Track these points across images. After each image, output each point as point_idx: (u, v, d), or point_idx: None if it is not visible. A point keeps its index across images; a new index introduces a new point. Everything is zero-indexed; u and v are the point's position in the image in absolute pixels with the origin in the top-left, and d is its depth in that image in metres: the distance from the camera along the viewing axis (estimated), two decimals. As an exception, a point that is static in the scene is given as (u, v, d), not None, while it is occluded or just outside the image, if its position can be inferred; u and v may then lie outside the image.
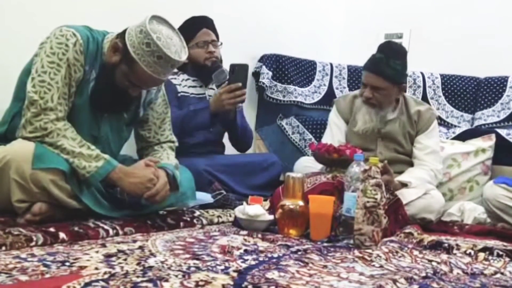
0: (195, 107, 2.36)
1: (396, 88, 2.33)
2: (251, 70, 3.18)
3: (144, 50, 1.61)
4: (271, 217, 1.81)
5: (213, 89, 2.60)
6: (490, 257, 1.55)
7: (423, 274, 1.30)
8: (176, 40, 1.67)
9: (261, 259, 1.35)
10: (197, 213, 1.94)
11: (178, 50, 1.67)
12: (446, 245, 1.64)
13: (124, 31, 1.68)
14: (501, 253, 1.57)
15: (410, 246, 1.65)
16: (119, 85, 1.69)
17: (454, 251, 1.60)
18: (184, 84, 2.52)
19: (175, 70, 2.50)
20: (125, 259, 1.23)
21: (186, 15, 2.53)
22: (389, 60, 2.25)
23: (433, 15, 3.48)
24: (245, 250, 1.43)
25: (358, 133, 2.38)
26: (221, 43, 2.53)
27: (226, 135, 2.67)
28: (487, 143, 2.75)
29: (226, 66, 2.43)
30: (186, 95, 2.50)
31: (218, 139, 2.64)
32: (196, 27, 2.49)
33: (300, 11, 3.51)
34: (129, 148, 2.08)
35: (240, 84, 2.24)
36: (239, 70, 2.26)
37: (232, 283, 1.09)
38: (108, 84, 1.69)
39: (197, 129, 2.38)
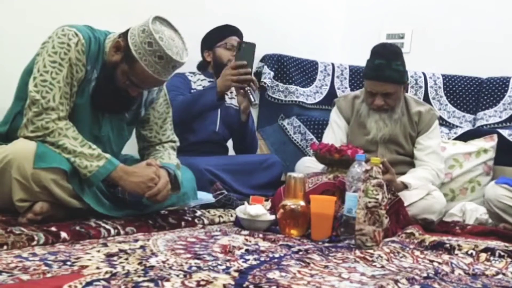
0: (200, 95, 2.36)
1: (402, 88, 2.34)
2: (253, 70, 3.18)
3: (145, 49, 1.61)
4: (272, 217, 1.81)
5: (226, 94, 2.62)
6: (491, 258, 1.55)
7: (425, 275, 1.30)
8: (178, 42, 1.68)
9: (262, 259, 1.35)
10: (199, 212, 1.94)
11: (180, 52, 1.67)
12: (447, 245, 1.64)
13: (127, 31, 1.68)
14: (502, 253, 1.56)
15: (411, 246, 1.65)
16: (119, 84, 1.69)
17: (456, 252, 1.60)
18: (199, 83, 2.57)
19: (193, 70, 2.56)
20: (127, 259, 1.24)
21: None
22: (391, 63, 2.23)
23: (435, 15, 3.48)
24: (246, 250, 1.43)
25: (374, 140, 2.35)
26: None
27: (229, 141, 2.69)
28: (489, 143, 2.75)
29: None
30: None
31: (222, 141, 2.65)
32: (228, 32, 2.58)
33: (302, 11, 3.51)
34: (130, 148, 2.08)
35: (245, 62, 2.25)
36: (246, 48, 2.26)
37: (233, 282, 1.09)
38: (108, 83, 1.69)
39: (204, 110, 2.38)
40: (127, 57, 1.64)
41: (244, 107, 2.54)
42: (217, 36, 2.59)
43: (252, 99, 2.43)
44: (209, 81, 2.59)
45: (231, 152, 2.73)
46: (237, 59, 2.27)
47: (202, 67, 2.65)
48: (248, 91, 2.45)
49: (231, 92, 2.63)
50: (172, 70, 1.69)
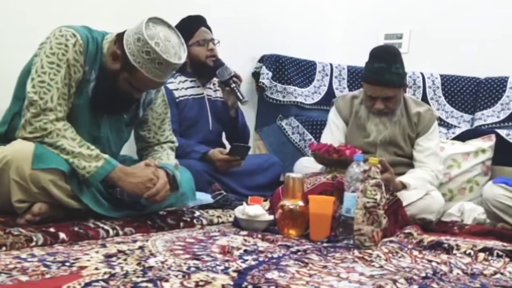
0: (192, 148, 2.40)
1: (402, 90, 2.34)
2: (251, 70, 3.19)
3: (144, 58, 1.61)
4: (271, 217, 1.81)
5: (210, 88, 2.61)
6: (490, 258, 1.55)
7: (423, 275, 1.30)
8: (174, 40, 1.67)
9: (261, 259, 1.35)
10: (197, 213, 1.94)
11: (178, 51, 1.67)
12: (446, 245, 1.64)
13: (121, 36, 1.66)
14: (500, 253, 1.57)
15: (410, 246, 1.65)
16: (121, 90, 1.70)
17: (454, 252, 1.60)
18: (181, 86, 2.52)
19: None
20: (125, 259, 1.24)
21: (186, 16, 2.53)
22: (390, 67, 2.22)
23: (433, 15, 3.48)
24: (245, 250, 1.43)
25: (374, 143, 2.35)
26: (218, 41, 2.54)
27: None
28: (487, 143, 2.75)
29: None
30: (184, 98, 2.50)
31: (218, 139, 2.65)
32: (194, 26, 2.50)
33: (300, 12, 3.51)
34: (129, 148, 2.08)
35: (238, 157, 2.38)
36: (240, 150, 2.40)
37: (232, 283, 1.09)
38: (109, 87, 1.69)
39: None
40: (127, 66, 1.64)
41: (231, 103, 2.53)
42: (185, 33, 2.50)
43: (240, 97, 2.43)
44: (191, 81, 2.54)
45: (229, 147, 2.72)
46: (231, 155, 2.37)
47: (180, 67, 2.60)
48: (234, 89, 2.44)
49: (214, 84, 2.61)
50: (172, 71, 1.70)
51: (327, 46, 3.71)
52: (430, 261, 1.48)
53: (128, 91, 1.70)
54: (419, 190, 2.23)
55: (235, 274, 1.16)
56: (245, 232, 1.73)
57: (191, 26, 2.49)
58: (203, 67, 2.49)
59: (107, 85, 1.69)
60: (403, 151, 2.40)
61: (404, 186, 2.22)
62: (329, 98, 3.10)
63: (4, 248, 1.26)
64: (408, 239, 1.76)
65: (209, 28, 2.55)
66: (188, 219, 1.84)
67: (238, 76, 2.49)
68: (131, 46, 1.62)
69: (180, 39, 1.71)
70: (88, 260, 1.20)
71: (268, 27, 3.27)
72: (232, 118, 2.57)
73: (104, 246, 1.37)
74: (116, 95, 1.71)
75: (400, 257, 1.50)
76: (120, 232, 1.57)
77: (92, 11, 2.33)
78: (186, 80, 2.54)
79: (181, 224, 1.79)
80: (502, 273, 1.40)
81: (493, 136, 2.77)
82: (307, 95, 3.28)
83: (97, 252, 1.29)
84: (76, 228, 1.49)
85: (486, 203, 2.16)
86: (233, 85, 2.45)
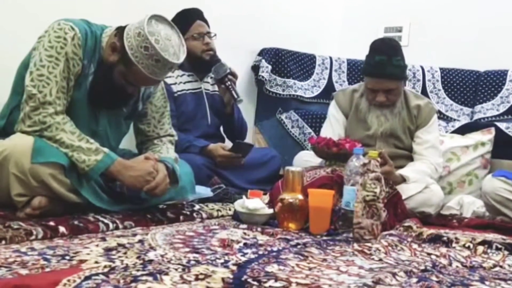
0: (190, 143, 2.38)
1: (403, 82, 2.34)
2: (250, 64, 3.18)
3: (142, 53, 1.61)
4: (270, 210, 1.82)
5: (208, 82, 2.60)
6: (489, 250, 1.55)
7: (422, 267, 1.31)
8: (174, 40, 1.67)
9: (260, 252, 1.35)
10: (197, 207, 1.94)
11: (177, 51, 1.67)
12: (445, 238, 1.64)
13: (122, 29, 1.66)
14: (500, 246, 1.57)
15: (409, 239, 1.66)
16: (116, 83, 1.69)
17: (453, 245, 1.60)
18: (179, 80, 2.50)
19: None
20: (125, 253, 1.24)
21: (181, 9, 2.51)
22: (391, 59, 2.22)
23: (433, 8, 3.47)
24: (245, 244, 1.44)
25: (375, 135, 2.36)
26: (215, 34, 2.52)
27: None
28: (486, 136, 2.75)
29: (221, 57, 2.47)
30: (182, 92, 2.48)
31: (217, 132, 2.64)
32: (189, 20, 2.46)
33: (300, 5, 3.50)
34: (128, 142, 2.08)
35: (240, 155, 2.38)
36: (243, 148, 2.40)
37: (231, 276, 1.09)
38: (105, 81, 1.69)
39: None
40: (124, 59, 1.64)
41: (227, 100, 2.52)
42: (180, 27, 2.44)
43: (235, 96, 2.41)
44: (188, 75, 2.52)
45: (227, 141, 2.72)
46: (233, 152, 2.36)
47: None
48: (229, 87, 2.43)
49: (212, 78, 2.59)
50: (169, 70, 1.70)
51: (326, 39, 3.70)
52: (429, 254, 1.49)
53: (122, 85, 1.70)
54: (419, 183, 2.24)
55: (235, 268, 1.16)
56: (244, 226, 1.73)
57: (186, 20, 2.44)
58: (199, 62, 2.47)
59: (104, 80, 1.68)
60: (403, 143, 2.41)
61: (403, 179, 2.23)
62: (328, 91, 3.09)
63: (3, 242, 1.26)
64: (408, 232, 1.76)
65: (205, 21, 2.51)
66: (188, 213, 1.84)
67: (233, 74, 2.46)
68: (131, 40, 1.62)
69: (181, 40, 1.70)
70: (88, 254, 1.21)
71: (267, 20, 3.26)
72: (227, 115, 2.56)
73: (104, 239, 1.38)
74: (112, 90, 1.70)
75: (399, 250, 1.51)
76: (120, 226, 1.57)
77: (92, 4, 2.32)
78: (183, 74, 2.52)
79: (181, 217, 1.79)
80: (501, 266, 1.40)
81: (492, 129, 2.77)
82: (307, 88, 3.27)
83: (97, 245, 1.30)
84: (75, 222, 1.49)
85: (486, 197, 2.16)
86: (228, 83, 2.42)
